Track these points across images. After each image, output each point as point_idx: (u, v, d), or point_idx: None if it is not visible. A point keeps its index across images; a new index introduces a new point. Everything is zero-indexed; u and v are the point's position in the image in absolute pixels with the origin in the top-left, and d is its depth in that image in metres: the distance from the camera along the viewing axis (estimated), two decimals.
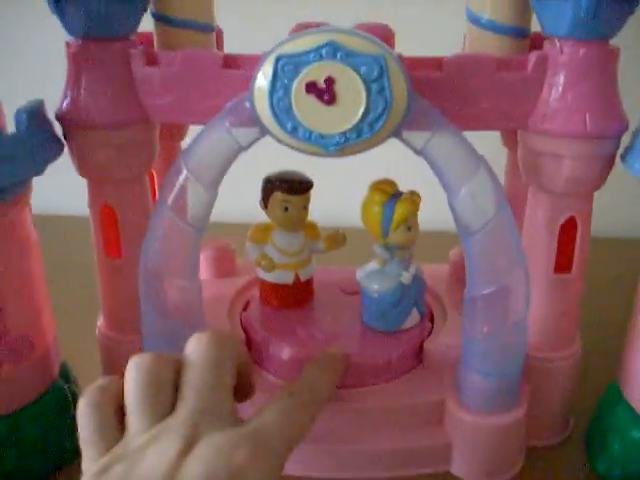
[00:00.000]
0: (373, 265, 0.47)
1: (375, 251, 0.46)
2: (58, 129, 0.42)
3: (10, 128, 0.39)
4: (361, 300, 0.48)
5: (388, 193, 0.44)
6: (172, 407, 0.32)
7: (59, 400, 0.45)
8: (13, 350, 0.42)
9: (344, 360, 0.42)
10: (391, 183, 0.45)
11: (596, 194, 0.42)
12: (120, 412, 0.33)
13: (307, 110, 0.35)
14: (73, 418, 0.44)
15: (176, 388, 0.33)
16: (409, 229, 0.44)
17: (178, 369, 0.34)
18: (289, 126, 0.36)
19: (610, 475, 0.44)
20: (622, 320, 0.45)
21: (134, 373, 0.33)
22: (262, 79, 0.35)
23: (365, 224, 0.45)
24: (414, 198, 0.44)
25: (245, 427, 0.32)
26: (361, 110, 0.35)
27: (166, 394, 0.33)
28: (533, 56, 0.39)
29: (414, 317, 0.47)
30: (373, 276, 0.46)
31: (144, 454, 0.30)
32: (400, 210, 0.44)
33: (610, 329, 0.49)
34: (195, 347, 0.34)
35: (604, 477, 0.45)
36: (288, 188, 0.46)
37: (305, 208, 0.47)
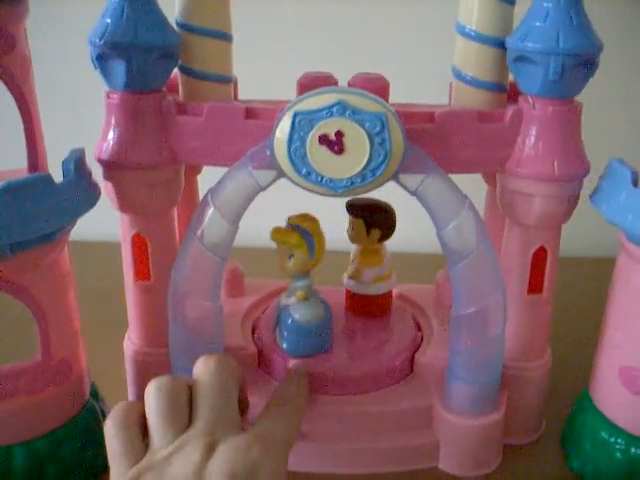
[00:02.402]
0: None
1: None
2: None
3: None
4: None
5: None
6: (189, 421, 0.37)
7: (91, 418, 0.49)
8: (56, 374, 0.45)
9: (306, 373, 0.48)
10: (304, 216, 0.49)
11: None
12: (143, 430, 0.38)
13: (320, 158, 0.41)
14: (103, 434, 0.49)
15: (190, 405, 0.38)
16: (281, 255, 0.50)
17: (191, 388, 0.39)
18: (304, 171, 0.41)
19: (583, 471, 0.49)
20: (594, 335, 0.50)
21: (154, 394, 0.38)
22: (281, 131, 0.41)
23: None
24: (281, 229, 0.49)
25: (252, 430, 0.38)
26: (365, 159, 0.40)
27: (183, 410, 0.38)
28: (510, 110, 0.45)
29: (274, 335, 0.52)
30: None
31: (170, 462, 0.35)
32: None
33: (583, 342, 0.54)
34: (203, 368, 0.39)
35: (579, 473, 0.50)
36: (346, 206, 0.53)
37: (358, 233, 0.53)
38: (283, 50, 0.78)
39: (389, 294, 0.56)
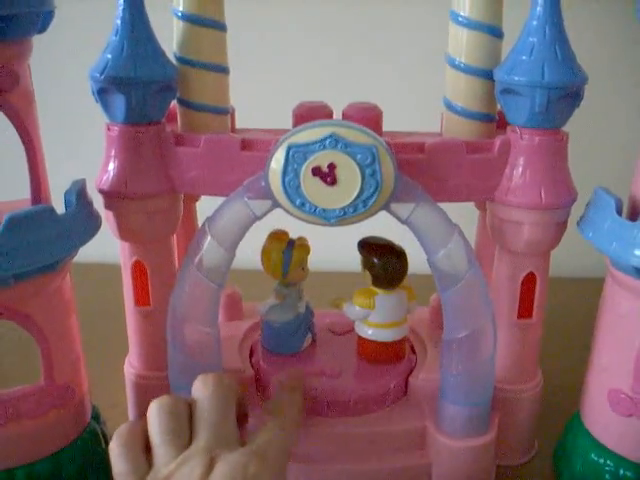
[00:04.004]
0: (273, 301, 0.54)
1: (275, 289, 0.54)
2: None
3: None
4: (263, 330, 0.55)
5: (285, 241, 0.52)
6: (190, 439, 0.39)
7: (93, 440, 0.50)
8: (58, 398, 0.47)
9: (302, 378, 0.49)
10: (285, 233, 0.53)
11: None
12: (146, 448, 0.39)
13: (313, 189, 0.42)
14: (105, 456, 0.50)
15: (191, 422, 0.40)
16: (302, 268, 0.53)
17: (191, 407, 0.40)
18: (298, 202, 0.42)
19: None
20: (586, 355, 0.51)
21: (156, 414, 0.39)
22: (276, 163, 0.42)
23: (266, 268, 0.53)
24: (305, 243, 0.53)
25: (250, 446, 0.39)
26: (357, 190, 0.42)
27: (184, 428, 0.39)
28: (498, 140, 0.46)
29: (308, 340, 0.55)
30: (275, 310, 0.53)
31: None
32: (297, 254, 0.52)
33: (575, 363, 0.54)
34: (202, 387, 0.41)
35: None
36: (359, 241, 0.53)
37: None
38: (280, 78, 0.79)
39: (377, 344, 0.53)
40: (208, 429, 0.39)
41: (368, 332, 0.53)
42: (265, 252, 0.52)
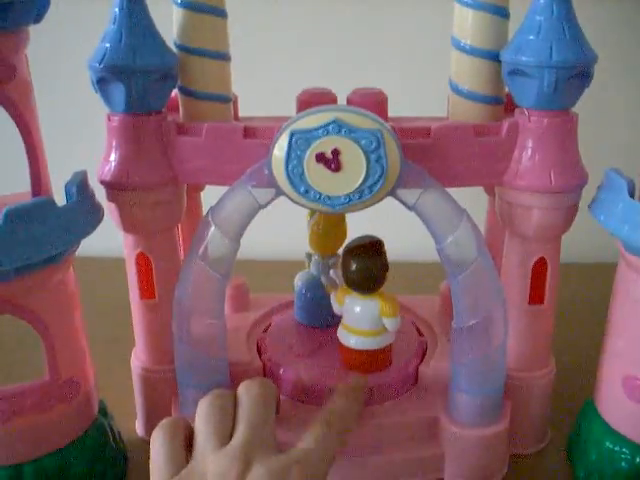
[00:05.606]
0: (333, 270, 0.55)
1: (329, 262, 0.55)
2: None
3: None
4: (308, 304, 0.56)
5: None
6: (230, 434, 0.40)
7: (100, 434, 0.50)
8: (64, 392, 0.46)
9: (365, 388, 0.48)
10: None
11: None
12: (187, 442, 0.40)
13: (317, 176, 0.41)
14: (113, 450, 0.50)
15: (234, 419, 0.41)
16: None
17: (235, 404, 0.41)
18: (302, 189, 0.42)
19: None
20: (599, 342, 0.50)
21: (205, 405, 0.41)
22: (279, 150, 0.41)
23: (325, 243, 0.55)
24: None
25: (293, 453, 0.39)
26: (362, 176, 0.41)
27: (227, 422, 0.40)
28: (506, 123, 0.45)
29: None
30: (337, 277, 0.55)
31: (206, 478, 0.37)
32: None
33: (589, 349, 0.54)
34: (246, 391, 0.42)
35: None
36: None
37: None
38: (284, 65, 0.79)
39: (347, 349, 0.51)
40: (248, 430, 0.39)
41: (339, 332, 0.51)
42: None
